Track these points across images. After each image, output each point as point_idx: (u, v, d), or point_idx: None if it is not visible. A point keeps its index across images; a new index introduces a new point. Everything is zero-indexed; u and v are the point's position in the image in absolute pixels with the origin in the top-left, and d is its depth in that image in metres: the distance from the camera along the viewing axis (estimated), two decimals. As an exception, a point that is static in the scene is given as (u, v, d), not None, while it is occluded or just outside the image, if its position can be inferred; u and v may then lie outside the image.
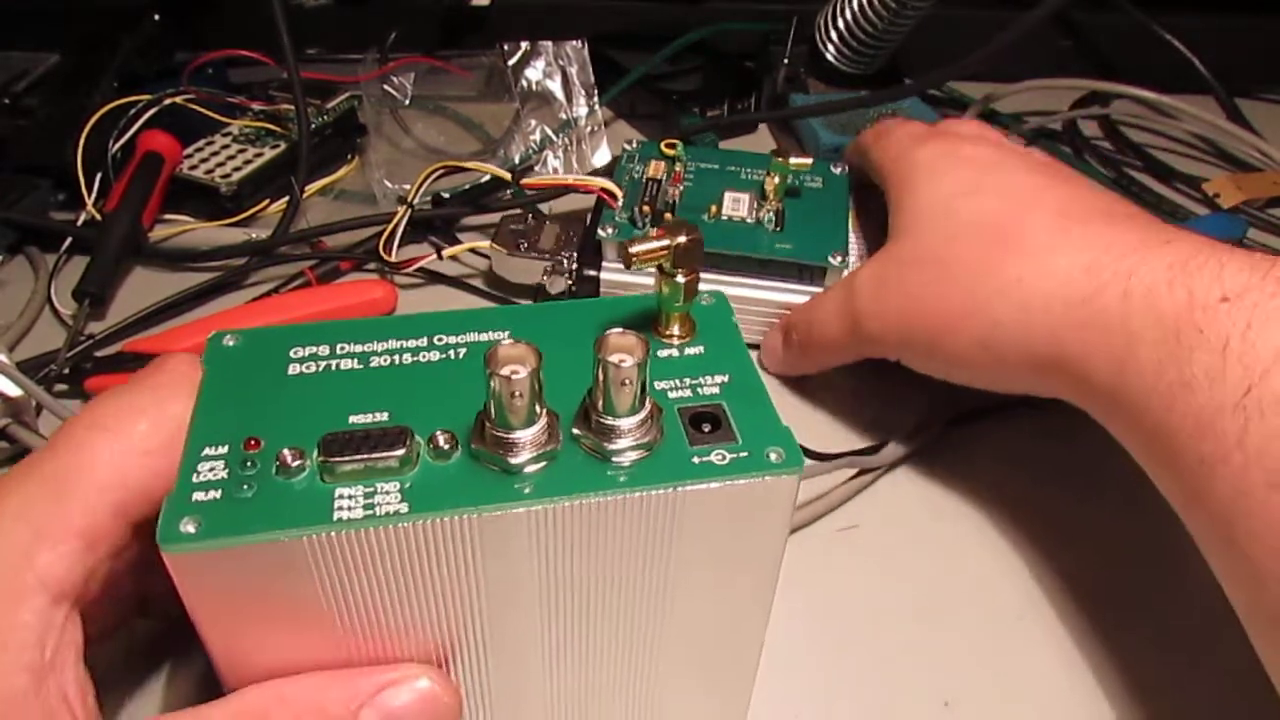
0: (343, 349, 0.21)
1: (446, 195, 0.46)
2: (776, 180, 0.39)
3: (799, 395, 0.38)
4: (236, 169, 0.47)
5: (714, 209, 0.40)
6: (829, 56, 0.55)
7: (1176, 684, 0.28)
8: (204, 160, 0.47)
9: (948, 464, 0.35)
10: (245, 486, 0.18)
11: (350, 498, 0.17)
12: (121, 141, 0.46)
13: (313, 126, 0.48)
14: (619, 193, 0.39)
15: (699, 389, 0.20)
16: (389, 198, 0.47)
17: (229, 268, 0.43)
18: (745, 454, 0.19)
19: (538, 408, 0.18)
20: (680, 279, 0.21)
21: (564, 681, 0.22)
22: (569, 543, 0.19)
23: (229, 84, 0.53)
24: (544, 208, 0.44)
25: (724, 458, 0.19)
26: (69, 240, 0.44)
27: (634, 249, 0.21)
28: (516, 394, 0.17)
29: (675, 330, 0.22)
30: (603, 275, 0.39)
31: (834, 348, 0.35)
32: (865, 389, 0.37)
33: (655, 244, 0.21)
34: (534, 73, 0.51)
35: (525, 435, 0.18)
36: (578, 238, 0.41)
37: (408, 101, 0.51)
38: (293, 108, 0.47)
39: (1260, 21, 0.62)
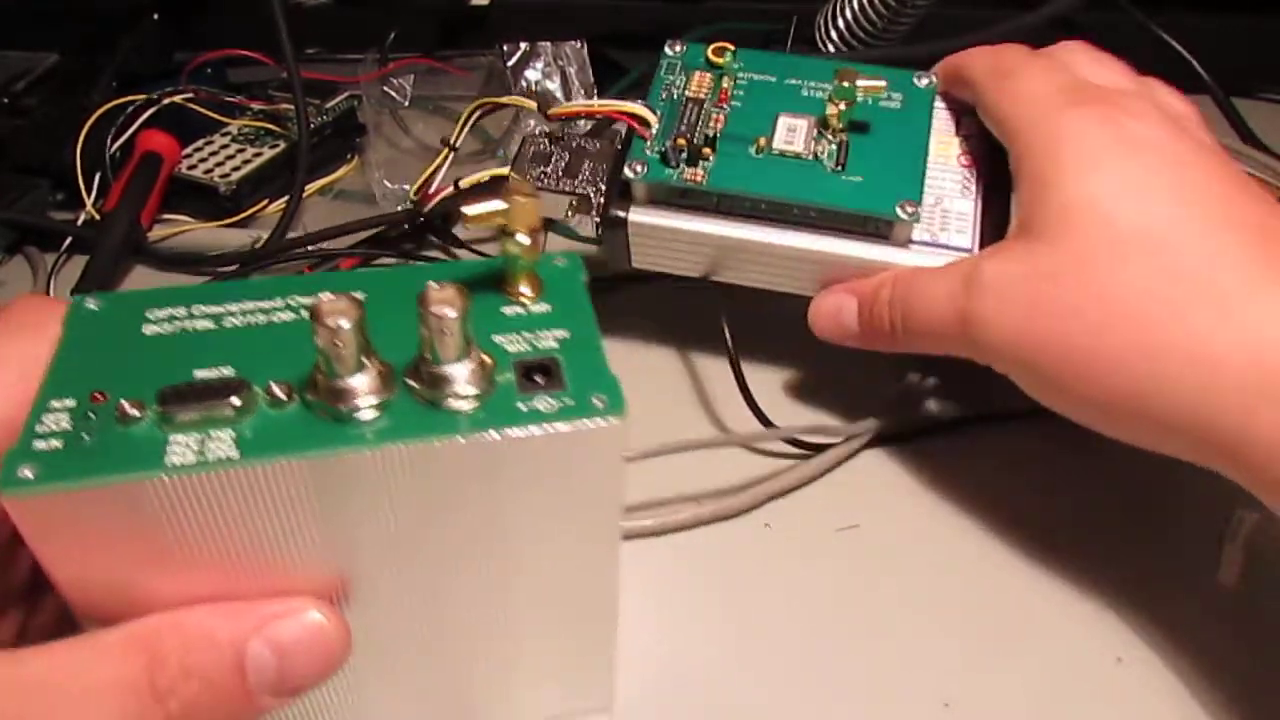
0: (199, 310, 0.21)
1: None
2: (841, 107, 0.33)
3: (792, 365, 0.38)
4: (236, 169, 0.47)
5: (763, 141, 0.33)
6: (830, 56, 0.55)
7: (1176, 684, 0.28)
8: (203, 160, 0.47)
9: (949, 464, 0.35)
10: (85, 436, 0.18)
11: (184, 444, 0.18)
12: (120, 141, 0.46)
13: (312, 126, 0.48)
14: (653, 119, 0.34)
15: (536, 343, 0.21)
16: (389, 198, 0.47)
17: (226, 272, 0.43)
18: (571, 401, 0.20)
19: (365, 358, 0.19)
20: (523, 238, 0.22)
21: (426, 630, 0.23)
22: (404, 489, 0.19)
23: (228, 84, 0.53)
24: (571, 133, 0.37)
25: (550, 405, 0.20)
26: (68, 240, 0.44)
27: (467, 210, 0.21)
28: (339, 343, 0.18)
29: (524, 289, 0.22)
30: (632, 218, 0.33)
31: (931, 339, 0.30)
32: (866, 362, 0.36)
33: (488, 206, 0.21)
34: (533, 73, 0.51)
35: (354, 383, 0.19)
36: (609, 169, 0.35)
37: (407, 102, 0.51)
38: (292, 107, 0.47)
39: (1259, 21, 0.62)
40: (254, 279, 0.40)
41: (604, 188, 0.34)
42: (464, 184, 0.36)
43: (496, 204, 0.21)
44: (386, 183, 0.47)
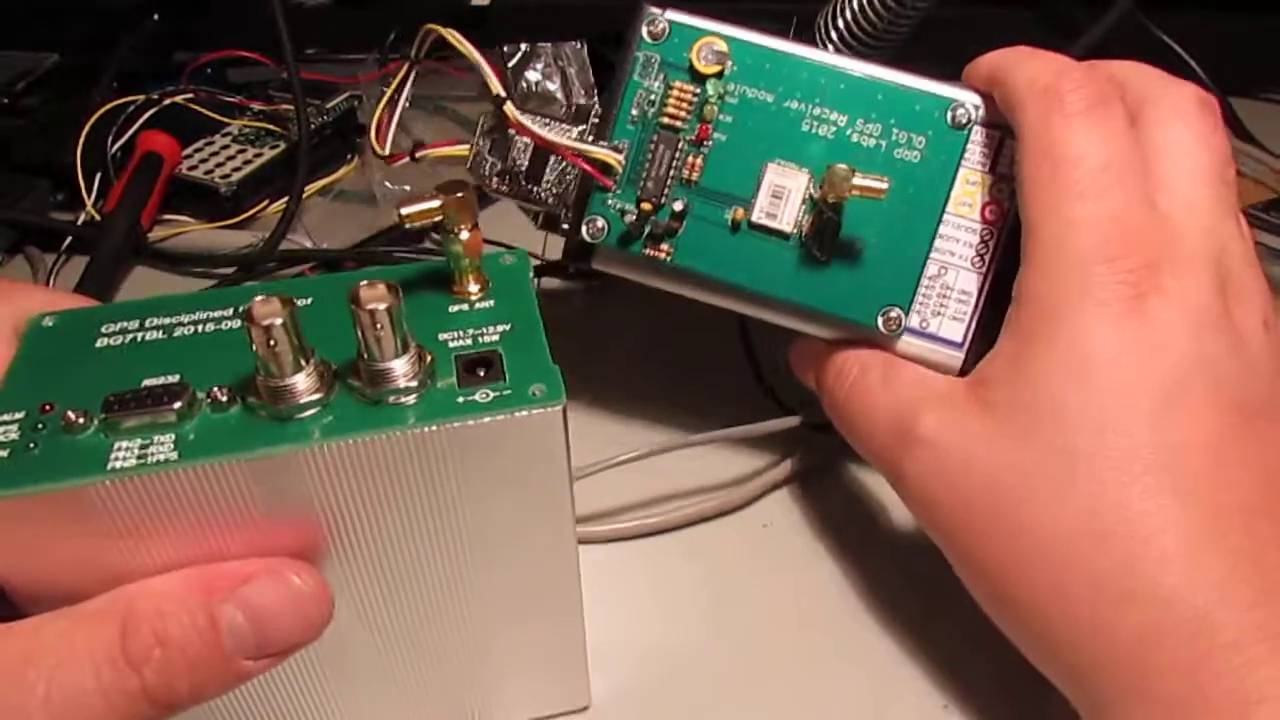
0: (151, 323, 0.22)
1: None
2: (827, 201, 0.27)
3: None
4: (236, 169, 0.47)
5: (740, 213, 0.27)
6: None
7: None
8: (203, 160, 0.47)
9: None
10: (32, 445, 0.19)
11: (127, 449, 0.19)
12: (121, 141, 0.46)
13: (312, 127, 0.48)
14: (617, 162, 0.28)
15: (480, 338, 0.21)
16: (389, 198, 0.47)
17: (225, 276, 0.43)
18: (509, 391, 0.20)
19: (302, 359, 0.19)
20: (461, 236, 0.22)
21: (388, 628, 0.23)
22: (350, 485, 0.20)
23: (229, 84, 0.53)
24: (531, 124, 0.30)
25: (488, 395, 0.20)
26: (68, 240, 0.44)
27: (404, 210, 0.21)
28: (273, 343, 0.19)
29: (469, 287, 0.23)
30: (596, 261, 0.29)
31: (860, 437, 0.27)
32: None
33: (425, 205, 0.21)
34: (533, 74, 0.51)
35: (292, 383, 0.19)
36: (577, 183, 0.29)
37: (408, 102, 0.51)
38: (292, 108, 0.47)
39: (1258, 21, 0.62)
40: (209, 290, 0.40)
41: (568, 209, 0.29)
42: (419, 155, 0.34)
43: (431, 203, 0.22)
44: (387, 183, 0.47)
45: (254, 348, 0.19)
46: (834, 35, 0.54)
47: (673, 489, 0.33)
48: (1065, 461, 0.22)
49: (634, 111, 0.28)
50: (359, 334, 0.19)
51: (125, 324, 0.22)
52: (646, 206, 0.28)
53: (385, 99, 0.32)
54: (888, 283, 0.27)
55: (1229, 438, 0.22)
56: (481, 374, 0.21)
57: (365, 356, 0.20)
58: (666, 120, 0.28)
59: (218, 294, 0.23)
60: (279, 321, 0.19)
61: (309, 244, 0.45)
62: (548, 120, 0.29)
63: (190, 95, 0.49)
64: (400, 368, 0.20)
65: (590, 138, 0.29)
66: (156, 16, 0.53)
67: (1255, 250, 0.25)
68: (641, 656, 0.28)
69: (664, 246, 0.28)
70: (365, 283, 0.19)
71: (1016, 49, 0.27)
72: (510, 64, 0.51)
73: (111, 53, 0.50)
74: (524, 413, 0.20)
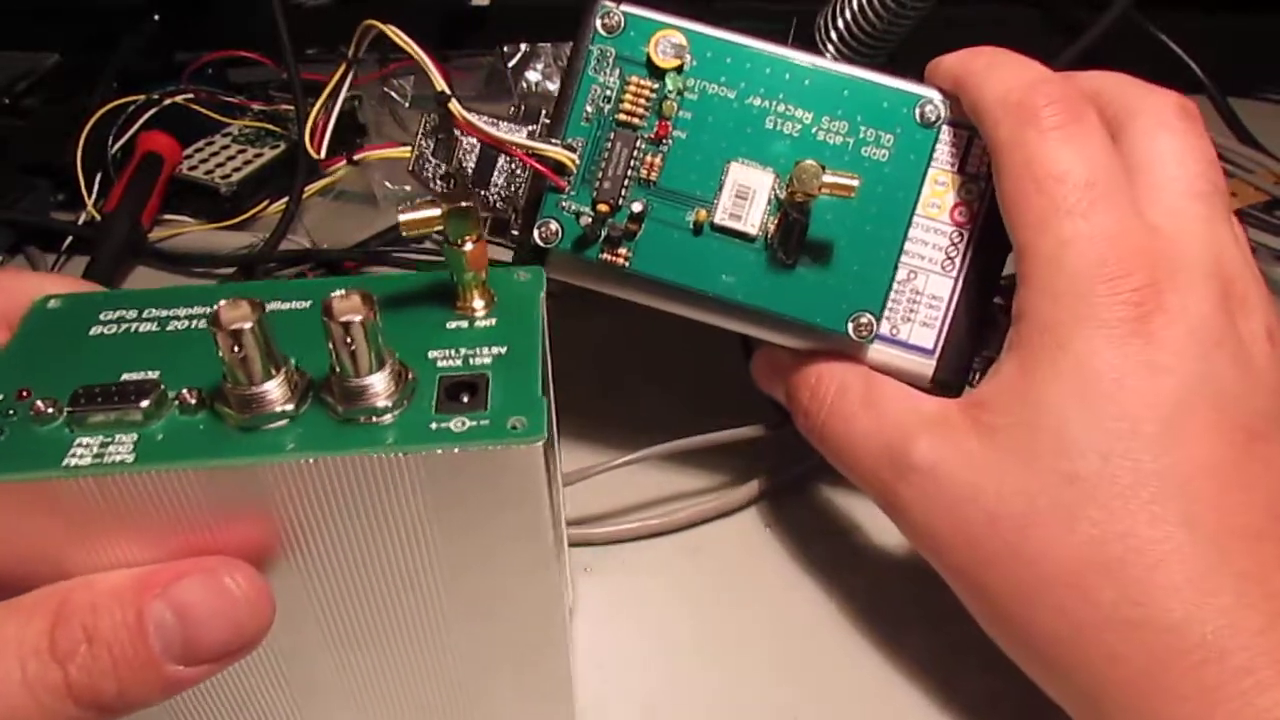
0: (149, 314, 0.22)
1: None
2: (793, 200, 0.26)
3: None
4: (236, 169, 0.47)
5: (702, 214, 0.26)
6: (829, 57, 0.55)
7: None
8: (204, 160, 0.47)
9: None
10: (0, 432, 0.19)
11: (87, 446, 0.18)
12: (121, 142, 0.46)
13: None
14: (571, 161, 0.27)
15: (471, 359, 0.20)
16: (389, 198, 0.47)
17: (225, 276, 0.43)
18: (486, 422, 0.19)
19: (272, 367, 0.19)
20: (464, 248, 0.20)
21: (357, 655, 0.22)
22: (309, 502, 0.19)
23: (229, 84, 0.53)
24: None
25: (463, 425, 0.19)
26: (69, 240, 0.44)
27: (402, 217, 0.20)
28: (238, 349, 0.18)
29: (473, 303, 0.21)
30: (548, 269, 0.25)
31: (845, 462, 0.26)
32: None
33: (424, 213, 0.20)
34: (534, 74, 0.51)
35: (259, 392, 0.18)
36: (527, 184, 0.28)
37: (407, 102, 0.51)
38: (292, 108, 0.47)
39: (1257, 21, 0.62)
40: (212, 284, 0.39)
41: (518, 214, 0.28)
42: (357, 158, 0.34)
43: (432, 211, 0.20)
44: (387, 183, 0.47)
45: (220, 354, 0.18)
46: (833, 36, 0.54)
47: (673, 490, 0.33)
48: (1070, 488, 0.22)
49: (588, 108, 0.27)
50: (330, 347, 0.19)
51: (124, 312, 0.22)
52: (603, 208, 0.26)
53: (320, 101, 0.31)
54: (858, 287, 0.26)
55: (1233, 461, 0.22)
56: (465, 399, 0.19)
57: (338, 371, 0.19)
58: (623, 117, 0.27)
59: (222, 290, 0.23)
60: (246, 326, 0.18)
61: (309, 244, 0.45)
62: (494, 120, 0.27)
63: (190, 95, 0.49)
64: (375, 385, 0.19)
65: (541, 137, 0.27)
66: (156, 16, 0.53)
67: (1252, 253, 0.25)
68: (641, 660, 0.28)
69: (621, 251, 0.27)
70: (339, 293, 0.18)
71: (979, 51, 0.26)
72: (510, 64, 0.51)
73: (111, 53, 0.50)
74: (496, 447, 0.18)
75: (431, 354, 0.20)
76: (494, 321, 0.21)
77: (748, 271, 0.27)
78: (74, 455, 0.18)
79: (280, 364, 0.19)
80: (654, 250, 0.27)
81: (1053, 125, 0.24)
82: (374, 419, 0.19)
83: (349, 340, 0.18)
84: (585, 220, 0.26)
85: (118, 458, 0.18)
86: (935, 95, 0.27)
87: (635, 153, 0.27)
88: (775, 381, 0.29)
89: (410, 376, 0.19)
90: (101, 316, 0.21)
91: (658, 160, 0.27)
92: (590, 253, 0.27)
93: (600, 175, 0.27)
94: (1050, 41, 0.63)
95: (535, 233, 0.27)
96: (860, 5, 0.53)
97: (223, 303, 0.18)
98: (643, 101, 0.27)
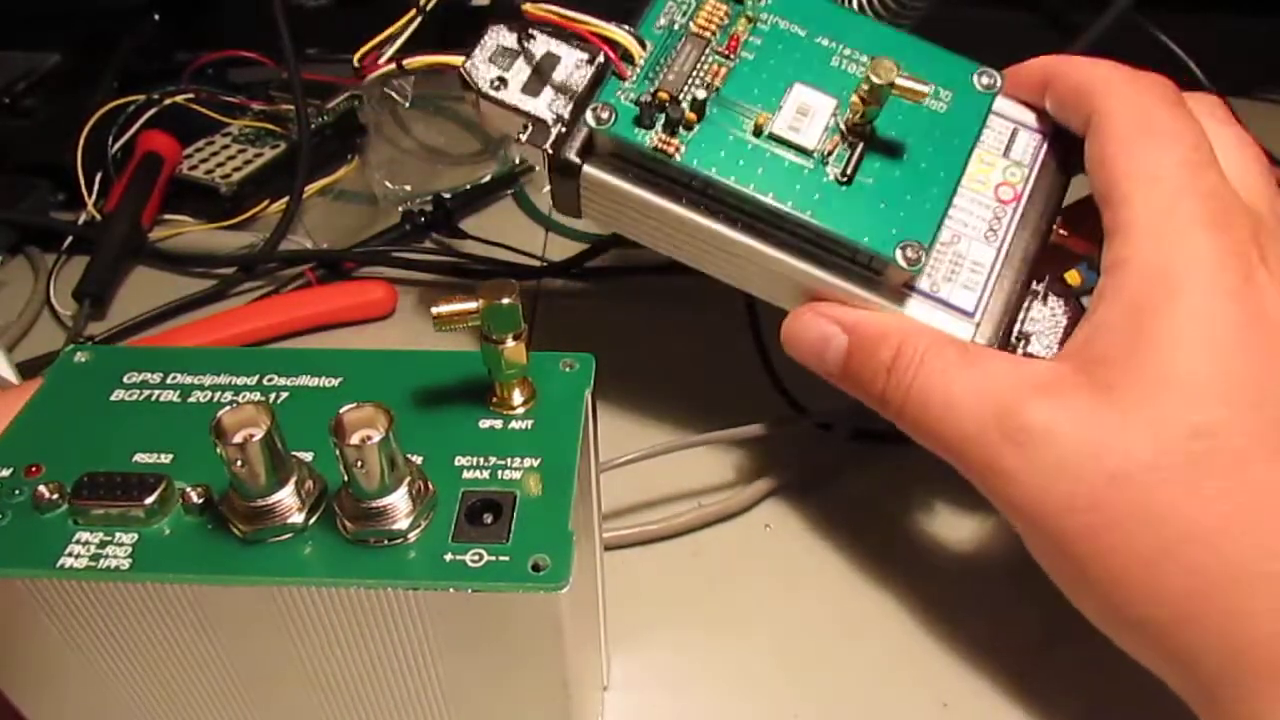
0: (173, 379, 0.21)
1: (447, 196, 0.46)
2: (865, 94, 0.25)
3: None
4: (236, 169, 0.47)
5: (763, 118, 0.26)
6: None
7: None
8: (204, 160, 0.47)
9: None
10: (2, 515, 0.18)
11: (85, 544, 0.18)
12: (121, 141, 0.46)
13: (313, 127, 0.48)
14: (639, 53, 0.27)
15: (500, 472, 0.19)
16: (389, 198, 0.47)
17: (225, 276, 0.43)
18: (506, 558, 0.17)
19: (280, 475, 0.17)
20: (505, 345, 0.19)
21: None
22: (311, 627, 0.18)
23: (229, 84, 0.53)
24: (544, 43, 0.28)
25: (480, 559, 0.17)
26: (69, 240, 0.44)
27: (436, 310, 0.18)
28: (241, 463, 0.17)
29: (511, 399, 0.20)
30: (587, 170, 0.27)
31: (937, 449, 0.25)
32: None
33: (460, 306, 0.18)
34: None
35: (264, 505, 0.17)
36: (581, 93, 0.27)
37: (408, 102, 0.51)
38: (293, 108, 0.47)
39: (1258, 22, 0.62)
40: (242, 347, 0.38)
41: (566, 117, 0.27)
42: (407, 64, 0.31)
43: (468, 304, 0.18)
44: (387, 183, 0.47)
45: (223, 463, 0.17)
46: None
47: (674, 491, 0.33)
48: (1198, 441, 0.21)
49: (661, 20, 0.27)
50: (340, 465, 0.17)
51: (147, 375, 0.21)
52: (664, 95, 0.26)
53: (387, 34, 0.32)
54: (910, 215, 0.25)
55: None
56: (488, 520, 0.18)
57: (349, 490, 0.17)
58: (696, 30, 0.27)
59: (251, 355, 0.21)
60: (256, 436, 0.16)
61: (309, 244, 0.45)
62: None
63: (190, 95, 0.49)
64: (390, 504, 0.17)
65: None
66: (157, 16, 0.53)
67: None
68: (649, 653, 0.28)
69: (675, 140, 0.26)
70: (350, 407, 0.17)
71: (1101, 65, 0.27)
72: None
73: (111, 53, 0.50)
74: (513, 593, 0.17)
75: (458, 460, 0.19)
76: (531, 425, 0.20)
77: (800, 182, 0.26)
78: (70, 554, 0.17)
79: (291, 472, 0.18)
80: (708, 145, 0.26)
81: (1169, 98, 0.25)
82: (386, 542, 0.17)
83: (360, 463, 0.17)
84: (645, 99, 0.26)
85: (113, 563, 0.17)
86: (992, 69, 0.28)
87: (704, 57, 0.27)
88: (815, 346, 0.27)
89: (430, 491, 0.18)
90: (125, 379, 0.21)
91: (723, 71, 0.27)
92: (641, 139, 0.26)
93: (666, 70, 0.27)
94: (1049, 42, 0.63)
95: (589, 114, 0.26)
96: (860, 6, 0.53)
97: (223, 412, 0.17)
98: (719, 18, 0.27)
